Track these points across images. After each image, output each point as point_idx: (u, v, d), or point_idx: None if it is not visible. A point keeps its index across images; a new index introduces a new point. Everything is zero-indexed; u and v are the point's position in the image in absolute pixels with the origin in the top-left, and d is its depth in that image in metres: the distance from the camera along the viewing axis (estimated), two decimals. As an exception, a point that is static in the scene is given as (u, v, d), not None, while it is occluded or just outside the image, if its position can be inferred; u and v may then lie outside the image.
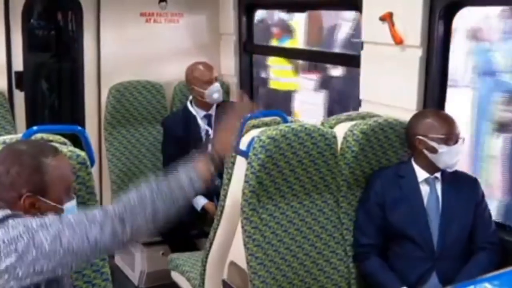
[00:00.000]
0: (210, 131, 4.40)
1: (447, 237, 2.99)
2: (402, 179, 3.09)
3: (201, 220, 4.22)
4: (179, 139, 4.33)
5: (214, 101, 4.42)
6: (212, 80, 4.40)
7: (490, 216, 3.10)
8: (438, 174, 3.07)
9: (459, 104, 4.80)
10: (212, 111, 4.46)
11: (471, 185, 3.11)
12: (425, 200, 3.05)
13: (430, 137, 3.00)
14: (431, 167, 3.05)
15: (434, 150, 2.99)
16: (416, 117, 3.12)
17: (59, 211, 2.07)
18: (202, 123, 4.42)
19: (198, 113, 4.43)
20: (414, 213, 3.03)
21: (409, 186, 3.07)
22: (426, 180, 3.07)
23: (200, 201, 4.20)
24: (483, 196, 3.10)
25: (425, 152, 3.02)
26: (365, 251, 3.11)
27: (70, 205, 2.13)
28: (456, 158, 3.01)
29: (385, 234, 3.09)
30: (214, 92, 4.39)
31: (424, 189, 3.06)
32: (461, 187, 3.07)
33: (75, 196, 2.20)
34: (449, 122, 3.01)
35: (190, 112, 4.44)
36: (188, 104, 4.47)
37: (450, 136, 2.98)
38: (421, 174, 3.07)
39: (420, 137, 3.03)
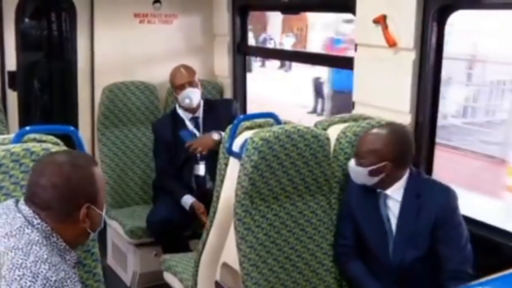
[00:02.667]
0: (198, 135, 4.37)
1: (404, 258, 2.87)
2: (368, 191, 2.99)
3: (194, 221, 4.22)
4: (169, 143, 4.34)
5: (187, 106, 4.37)
6: (184, 85, 4.34)
7: (464, 236, 2.83)
8: (389, 192, 2.93)
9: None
10: (199, 113, 4.42)
11: (438, 198, 2.85)
12: (383, 216, 2.96)
13: None
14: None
15: None
16: None
17: (100, 218, 2.15)
18: (190, 126, 4.40)
19: (185, 116, 4.42)
20: (375, 230, 2.96)
21: (371, 199, 2.99)
22: (379, 195, 2.97)
23: (188, 200, 4.19)
24: (454, 211, 2.85)
25: None
26: (344, 252, 3.09)
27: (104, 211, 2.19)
28: (352, 175, 2.98)
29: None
30: (185, 98, 4.33)
31: (383, 205, 2.97)
32: (426, 204, 2.86)
33: None
34: (359, 140, 2.99)
35: (178, 115, 4.43)
36: (177, 106, 4.46)
37: (355, 154, 2.99)
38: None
39: None
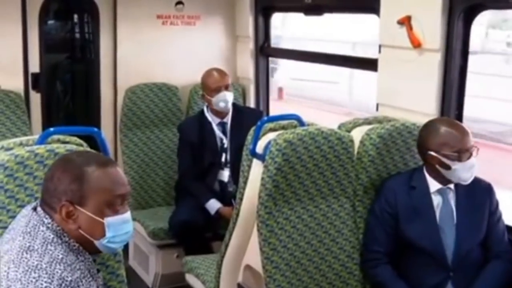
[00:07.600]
0: (225, 140, 4.35)
1: (461, 249, 2.93)
2: (413, 190, 3.02)
3: (216, 223, 4.21)
4: (194, 146, 4.32)
5: (222, 110, 4.34)
6: (220, 88, 4.29)
7: (503, 224, 3.04)
8: (451, 185, 2.99)
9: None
10: (227, 119, 4.38)
11: (485, 192, 3.02)
12: (437, 212, 2.98)
13: (443, 153, 2.88)
14: (444, 179, 2.96)
15: (447, 167, 2.89)
16: (427, 131, 2.99)
17: (97, 224, 2.03)
18: (217, 130, 4.38)
19: (213, 119, 4.39)
20: (427, 226, 2.96)
21: (421, 197, 3.00)
22: (439, 191, 2.99)
23: (214, 205, 4.19)
24: (497, 204, 3.03)
25: (438, 167, 2.93)
26: (375, 258, 3.06)
27: (113, 220, 2.05)
28: (470, 172, 2.89)
29: (398, 243, 3.04)
30: (220, 101, 4.29)
31: (437, 200, 2.99)
32: (475, 196, 2.99)
33: (128, 210, 2.12)
34: (461, 137, 2.88)
35: (206, 118, 4.39)
36: (205, 109, 4.43)
37: (464, 152, 2.87)
38: (434, 184, 2.99)
39: (433, 153, 2.91)
